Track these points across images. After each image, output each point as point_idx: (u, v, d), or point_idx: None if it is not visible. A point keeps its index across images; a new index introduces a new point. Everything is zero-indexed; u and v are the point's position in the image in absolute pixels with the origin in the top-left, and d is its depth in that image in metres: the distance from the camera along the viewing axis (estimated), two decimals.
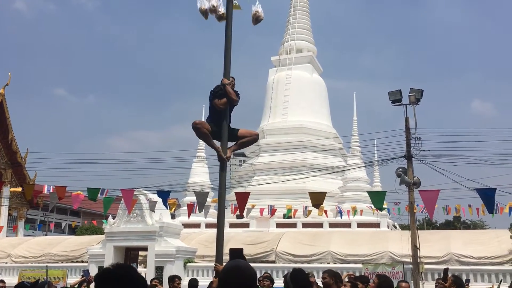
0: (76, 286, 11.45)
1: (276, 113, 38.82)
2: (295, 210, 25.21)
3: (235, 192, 14.97)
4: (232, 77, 5.69)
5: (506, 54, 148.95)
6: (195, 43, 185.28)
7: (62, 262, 21.67)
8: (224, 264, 3.21)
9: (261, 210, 27.10)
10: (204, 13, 5.96)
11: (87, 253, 19.72)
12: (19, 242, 24.71)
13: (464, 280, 14.75)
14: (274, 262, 19.82)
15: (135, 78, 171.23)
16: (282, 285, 7.68)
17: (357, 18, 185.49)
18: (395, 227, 35.14)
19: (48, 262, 21.08)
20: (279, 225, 30.08)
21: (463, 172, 18.99)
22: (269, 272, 13.92)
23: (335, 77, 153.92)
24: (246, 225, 30.57)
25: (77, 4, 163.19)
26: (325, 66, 48.86)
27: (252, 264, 2.95)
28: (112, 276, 2.32)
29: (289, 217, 26.18)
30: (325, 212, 25.67)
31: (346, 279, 7.52)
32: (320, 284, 7.10)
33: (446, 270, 7.33)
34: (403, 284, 7.74)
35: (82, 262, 20.97)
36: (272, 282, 9.92)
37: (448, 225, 54.45)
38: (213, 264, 5.26)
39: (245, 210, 18.20)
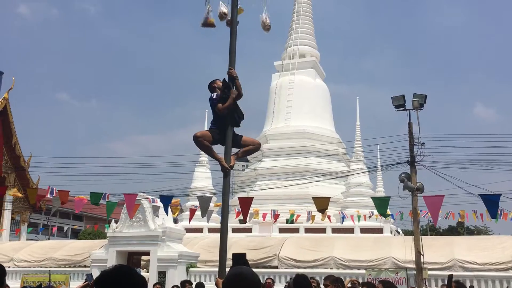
0: None
1: (279, 118, 38.83)
2: (298, 215, 25.14)
3: (238, 197, 14.90)
4: (220, 80, 5.60)
5: (510, 58, 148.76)
6: (197, 48, 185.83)
7: (65, 267, 21.67)
8: (228, 270, 3.18)
9: (264, 215, 27.05)
10: (211, 25, 5.94)
11: (89, 258, 19.72)
12: (22, 246, 24.70)
13: (468, 287, 14.66)
14: (276, 267, 19.76)
15: (137, 82, 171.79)
16: None
17: (360, 23, 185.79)
18: (399, 233, 35.00)
19: (50, 266, 21.12)
20: (281, 230, 30.03)
21: (467, 178, 18.91)
22: (272, 277, 13.87)
23: (338, 82, 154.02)
24: (249, 230, 30.46)
25: (80, 9, 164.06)
26: (328, 71, 48.97)
27: (254, 270, 2.93)
28: (111, 278, 2.31)
29: (292, 222, 26.10)
30: (328, 217, 25.57)
31: (349, 285, 7.49)
32: None
33: (450, 276, 7.30)
34: None
35: (85, 266, 20.97)
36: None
37: (452, 231, 54.24)
38: (216, 269, 5.23)
39: (248, 215, 18.13)
